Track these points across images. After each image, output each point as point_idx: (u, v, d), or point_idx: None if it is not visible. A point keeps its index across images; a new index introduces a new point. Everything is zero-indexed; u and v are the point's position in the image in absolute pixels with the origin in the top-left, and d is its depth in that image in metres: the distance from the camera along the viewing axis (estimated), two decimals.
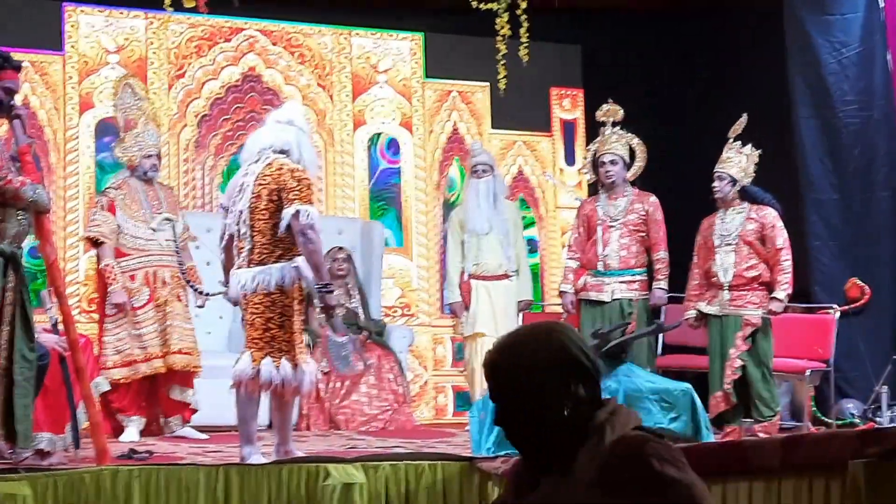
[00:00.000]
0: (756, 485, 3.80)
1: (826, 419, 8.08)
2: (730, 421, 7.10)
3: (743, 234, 7.12)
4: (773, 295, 7.04)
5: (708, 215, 7.36)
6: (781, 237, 7.08)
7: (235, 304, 5.86)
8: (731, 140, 7.28)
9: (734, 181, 7.18)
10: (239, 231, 5.72)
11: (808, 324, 7.73)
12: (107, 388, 6.63)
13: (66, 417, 5.85)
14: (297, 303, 5.69)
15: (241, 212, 5.70)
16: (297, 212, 5.52)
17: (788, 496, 3.63)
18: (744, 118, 7.30)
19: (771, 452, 3.74)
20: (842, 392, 8.26)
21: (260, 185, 5.66)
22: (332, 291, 5.84)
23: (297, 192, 5.56)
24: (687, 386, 5.94)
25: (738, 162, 7.22)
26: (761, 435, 6.97)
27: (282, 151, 5.76)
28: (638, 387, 5.80)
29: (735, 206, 7.21)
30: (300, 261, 5.62)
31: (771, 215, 7.14)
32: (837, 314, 8.08)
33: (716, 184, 7.21)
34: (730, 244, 7.15)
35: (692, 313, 7.27)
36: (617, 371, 5.84)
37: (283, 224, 5.56)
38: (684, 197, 8.66)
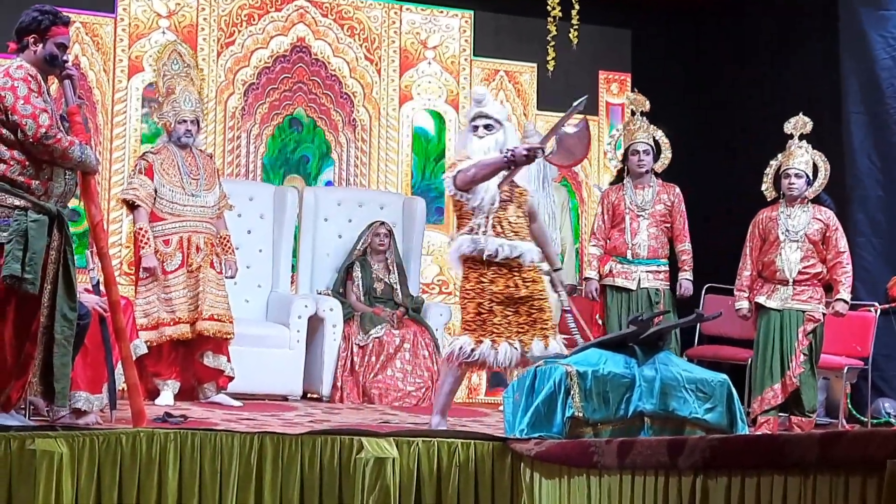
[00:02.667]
0: (791, 480, 3.77)
1: (861, 417, 8.04)
2: (766, 412, 7.17)
3: (809, 232, 7.26)
4: (838, 297, 7.23)
5: (766, 207, 7.44)
6: (843, 240, 7.30)
7: None
8: (797, 138, 7.34)
9: (810, 180, 7.29)
10: None
11: (848, 321, 7.69)
12: (144, 350, 6.68)
13: (104, 378, 5.89)
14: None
15: None
16: None
17: (824, 493, 3.60)
18: (807, 120, 7.33)
19: (808, 448, 3.71)
20: (879, 391, 8.22)
21: None
22: None
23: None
24: (724, 377, 5.91)
25: (808, 161, 7.30)
26: (796, 430, 7.03)
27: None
28: (675, 376, 5.77)
29: (802, 203, 7.31)
30: None
31: (833, 218, 7.35)
32: (878, 312, 8.04)
33: (794, 181, 7.30)
34: (795, 240, 7.28)
35: (745, 304, 7.37)
36: (654, 359, 5.81)
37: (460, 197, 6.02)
38: (721, 190, 8.65)
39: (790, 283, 7.25)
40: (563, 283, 6.40)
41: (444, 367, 6.16)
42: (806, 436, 3.77)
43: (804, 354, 7.21)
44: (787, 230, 7.28)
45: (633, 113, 7.92)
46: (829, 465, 3.63)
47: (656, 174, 7.82)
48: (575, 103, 5.80)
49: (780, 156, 7.45)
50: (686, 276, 7.74)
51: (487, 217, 5.90)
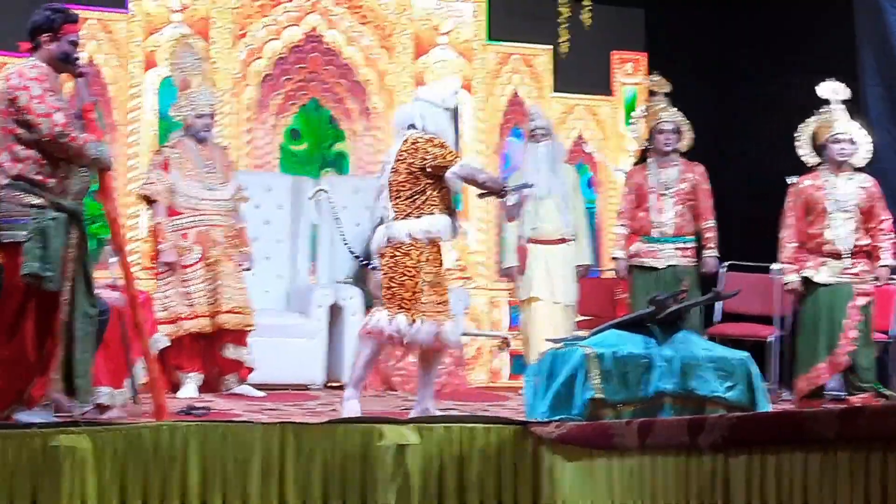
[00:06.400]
0: (812, 457, 3.77)
1: (886, 392, 8.00)
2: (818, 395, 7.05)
3: (858, 201, 7.07)
4: (882, 263, 7.04)
5: (807, 174, 7.24)
6: (884, 206, 7.11)
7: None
8: (839, 103, 7.17)
9: (856, 144, 7.11)
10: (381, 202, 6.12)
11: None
12: (164, 344, 6.71)
13: (125, 372, 5.93)
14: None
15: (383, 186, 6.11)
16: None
17: (845, 469, 3.60)
18: (842, 85, 7.23)
19: (828, 424, 3.70)
20: None
21: (398, 160, 6.04)
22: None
23: (441, 158, 5.96)
24: (744, 354, 5.90)
25: (856, 125, 7.13)
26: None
27: (410, 126, 6.11)
28: (694, 354, 5.76)
29: (846, 171, 7.13)
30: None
31: (876, 185, 7.13)
32: None
33: (846, 147, 7.09)
34: (847, 211, 7.08)
35: (794, 277, 7.18)
36: (673, 339, 5.80)
37: (455, 188, 6.07)
38: (737, 166, 8.62)
39: (845, 256, 7.05)
40: None
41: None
42: (825, 412, 3.76)
43: (858, 330, 7.00)
44: (837, 200, 7.08)
45: (652, 94, 7.94)
46: (850, 440, 3.62)
47: (680, 153, 7.84)
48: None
49: (812, 121, 7.25)
50: (712, 253, 7.78)
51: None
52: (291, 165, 9.34)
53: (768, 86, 9.31)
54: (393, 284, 5.96)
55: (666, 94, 7.90)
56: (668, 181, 7.75)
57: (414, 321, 5.89)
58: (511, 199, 6.26)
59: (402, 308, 5.92)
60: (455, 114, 6.21)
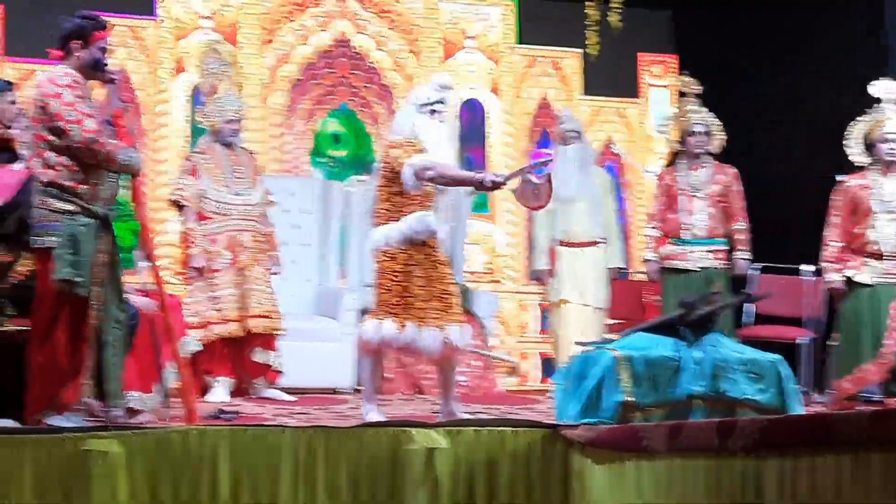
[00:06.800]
0: (843, 459, 3.75)
1: None
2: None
3: None
4: None
5: (855, 173, 7.13)
6: None
7: None
8: (891, 102, 7.04)
9: None
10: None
11: None
12: (194, 347, 6.73)
13: (156, 377, 5.95)
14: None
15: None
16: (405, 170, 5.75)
17: (876, 471, 3.58)
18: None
19: (858, 426, 3.69)
20: None
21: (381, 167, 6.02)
22: None
23: (396, 160, 5.79)
24: (775, 357, 5.86)
25: None
26: None
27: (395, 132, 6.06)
28: (725, 357, 5.72)
29: (894, 171, 7.03)
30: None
31: None
32: None
33: (894, 146, 6.96)
34: (892, 211, 6.99)
35: (836, 277, 7.09)
36: (703, 341, 5.77)
37: (407, 186, 5.78)
38: (768, 167, 8.56)
39: (883, 258, 6.96)
40: None
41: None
42: (856, 414, 3.75)
43: None
44: (883, 200, 6.98)
45: (683, 95, 7.91)
46: (882, 442, 3.61)
47: (712, 155, 7.81)
48: (538, 161, 6.12)
49: (862, 120, 7.11)
50: (743, 255, 7.74)
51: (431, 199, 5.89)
52: (331, 170, 9.36)
53: (797, 85, 9.25)
54: (381, 290, 5.85)
55: (697, 96, 7.87)
56: (700, 183, 7.71)
57: (404, 326, 5.80)
58: (533, 178, 6.01)
59: (390, 313, 5.81)
60: (436, 108, 6.02)
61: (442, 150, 6.00)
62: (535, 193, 6.10)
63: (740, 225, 7.74)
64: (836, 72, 8.61)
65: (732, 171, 7.79)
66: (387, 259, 5.84)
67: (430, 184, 5.84)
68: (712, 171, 7.76)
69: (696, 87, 7.90)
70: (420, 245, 5.85)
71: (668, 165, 8.16)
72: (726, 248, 7.73)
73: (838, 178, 7.21)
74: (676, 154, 7.99)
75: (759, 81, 9.62)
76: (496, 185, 5.81)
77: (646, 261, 7.93)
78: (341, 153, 9.49)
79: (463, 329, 5.92)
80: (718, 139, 7.82)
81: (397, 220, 5.85)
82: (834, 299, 7.30)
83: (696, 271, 7.63)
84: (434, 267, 5.88)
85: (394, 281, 5.82)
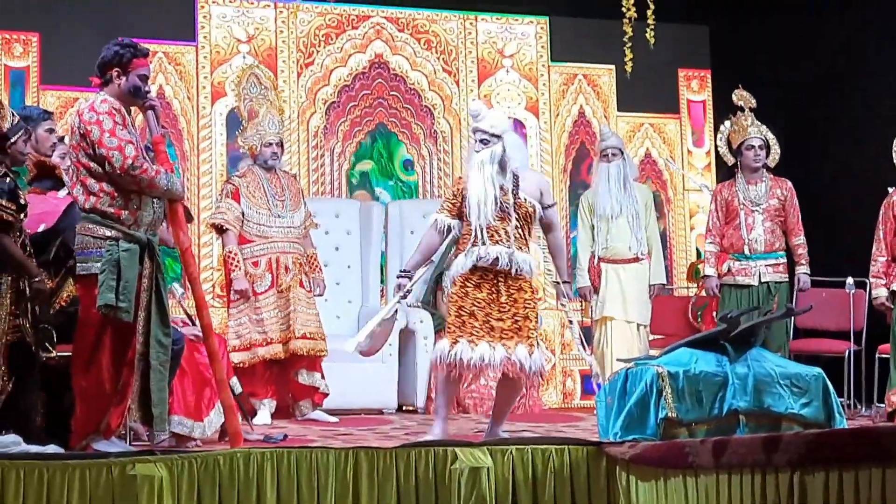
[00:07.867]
0: (890, 472, 3.72)
1: None
2: None
3: None
4: None
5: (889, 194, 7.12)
6: None
7: None
8: None
9: None
10: None
11: None
12: (239, 390, 6.71)
13: (201, 403, 5.99)
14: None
15: None
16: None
17: None
18: None
19: None
20: None
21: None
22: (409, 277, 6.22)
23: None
24: (819, 371, 5.83)
25: None
26: None
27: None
28: (768, 371, 5.70)
29: None
30: None
31: None
32: None
33: None
34: None
35: (883, 292, 7.09)
36: (746, 356, 5.75)
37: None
38: (814, 181, 8.50)
39: None
40: (569, 296, 6.47)
41: (434, 374, 6.23)
42: None
43: None
44: None
45: (742, 109, 7.87)
46: None
47: (768, 168, 7.78)
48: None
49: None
50: (803, 270, 7.72)
51: (481, 229, 5.97)
52: (401, 195, 9.41)
53: (840, 97, 9.19)
54: (454, 313, 6.06)
55: (751, 109, 7.83)
56: (758, 197, 7.69)
57: (476, 345, 5.96)
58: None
59: (462, 334, 6.00)
60: (476, 138, 6.19)
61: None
62: (379, 337, 6.37)
63: (799, 239, 7.71)
64: (881, 84, 8.54)
65: (789, 184, 7.75)
66: (461, 284, 6.03)
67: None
68: (769, 185, 7.73)
69: (750, 101, 7.86)
70: (494, 271, 6.00)
71: (724, 180, 8.10)
72: (785, 261, 7.71)
73: (890, 189, 7.17)
74: (733, 168, 7.95)
75: (799, 92, 9.56)
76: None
77: (705, 276, 7.88)
78: (411, 178, 9.54)
79: (533, 352, 5.99)
80: (774, 152, 7.79)
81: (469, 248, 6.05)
82: (883, 313, 7.24)
83: (758, 286, 7.61)
84: (509, 292, 6.03)
85: (466, 304, 6.01)
